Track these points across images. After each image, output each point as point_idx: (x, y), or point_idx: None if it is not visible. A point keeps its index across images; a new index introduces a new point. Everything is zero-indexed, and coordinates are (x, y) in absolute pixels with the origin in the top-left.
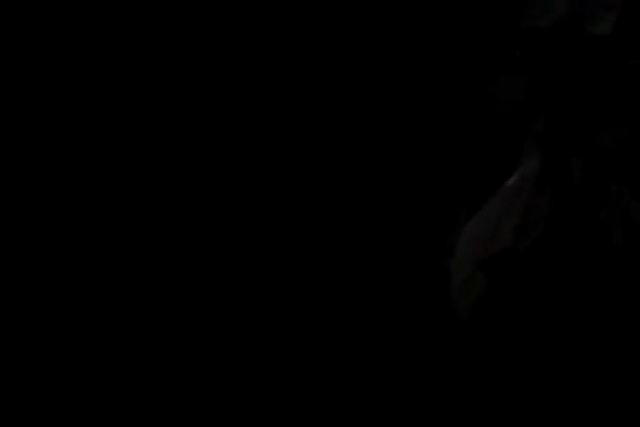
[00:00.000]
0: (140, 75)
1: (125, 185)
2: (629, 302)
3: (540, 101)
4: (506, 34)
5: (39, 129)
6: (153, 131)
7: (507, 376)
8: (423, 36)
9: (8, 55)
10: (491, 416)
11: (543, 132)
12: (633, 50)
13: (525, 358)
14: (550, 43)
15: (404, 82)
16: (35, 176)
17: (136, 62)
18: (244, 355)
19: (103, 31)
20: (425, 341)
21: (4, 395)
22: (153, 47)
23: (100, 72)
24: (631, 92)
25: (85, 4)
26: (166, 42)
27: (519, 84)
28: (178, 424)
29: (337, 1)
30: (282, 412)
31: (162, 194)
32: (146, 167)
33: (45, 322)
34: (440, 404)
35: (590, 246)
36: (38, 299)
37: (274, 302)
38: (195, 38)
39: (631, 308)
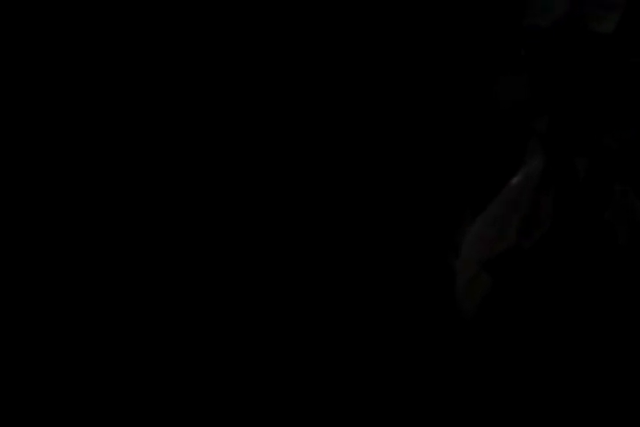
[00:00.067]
0: (140, 75)
1: (125, 185)
2: (634, 301)
3: (543, 101)
4: (509, 33)
5: (39, 129)
6: (153, 131)
7: (512, 376)
8: (426, 37)
9: (8, 55)
10: (495, 416)
11: (547, 132)
12: (635, 48)
13: (530, 358)
14: (551, 42)
15: (409, 82)
16: (35, 176)
17: (136, 62)
18: (245, 354)
19: (103, 31)
20: (430, 340)
21: (3, 395)
22: (153, 47)
23: (100, 72)
24: (634, 91)
25: (85, 4)
26: (166, 42)
27: (521, 83)
28: (178, 424)
29: (339, 1)
30: (282, 412)
31: (162, 194)
32: (146, 167)
33: (45, 322)
34: (444, 403)
35: (595, 246)
36: (38, 299)
37: (276, 301)
38: (195, 38)
39: (636, 307)
